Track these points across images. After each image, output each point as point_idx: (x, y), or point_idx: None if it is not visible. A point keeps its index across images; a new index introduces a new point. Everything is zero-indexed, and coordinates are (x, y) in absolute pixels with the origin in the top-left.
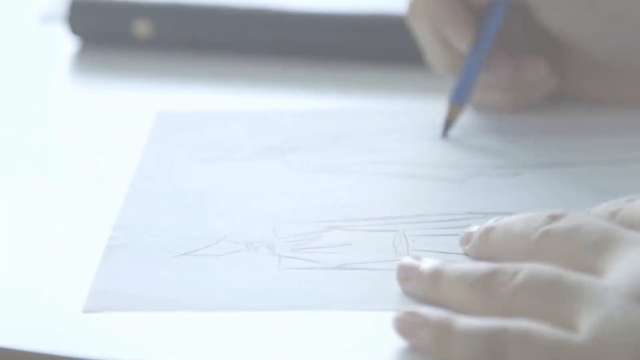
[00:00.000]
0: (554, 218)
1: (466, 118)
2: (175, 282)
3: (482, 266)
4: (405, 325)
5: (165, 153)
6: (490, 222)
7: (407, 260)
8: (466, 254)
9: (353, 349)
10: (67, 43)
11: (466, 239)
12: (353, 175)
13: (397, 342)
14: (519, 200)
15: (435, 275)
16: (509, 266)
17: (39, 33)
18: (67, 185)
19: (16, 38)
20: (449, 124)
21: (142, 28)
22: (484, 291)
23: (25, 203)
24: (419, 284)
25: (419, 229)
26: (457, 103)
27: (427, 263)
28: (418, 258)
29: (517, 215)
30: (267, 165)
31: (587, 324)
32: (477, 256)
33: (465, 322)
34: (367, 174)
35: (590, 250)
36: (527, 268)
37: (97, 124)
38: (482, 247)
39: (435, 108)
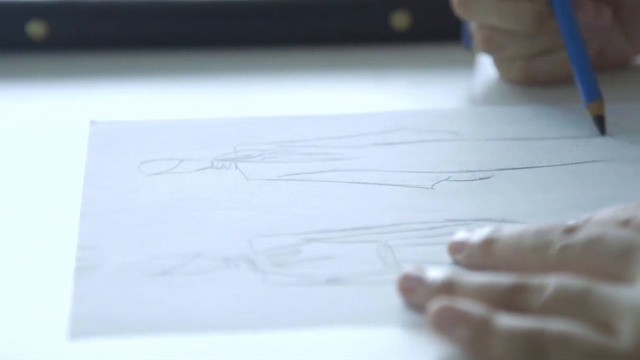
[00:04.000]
0: (569, 231)
1: (425, 121)
2: (158, 303)
3: (503, 280)
4: (443, 321)
5: (108, 165)
6: (486, 231)
7: (411, 270)
8: (457, 264)
9: None
10: None
11: (456, 248)
12: (316, 184)
13: None
14: (494, 205)
15: (448, 288)
16: (533, 280)
17: None
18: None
19: None
20: (600, 120)
21: (35, 29)
22: (508, 307)
23: None
24: (428, 297)
25: (399, 239)
26: (594, 99)
27: (435, 274)
28: (421, 269)
29: (523, 228)
30: (222, 175)
31: (628, 328)
32: (473, 267)
33: (505, 321)
34: (329, 182)
35: (615, 260)
36: (554, 281)
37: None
38: (482, 258)
39: (392, 115)
